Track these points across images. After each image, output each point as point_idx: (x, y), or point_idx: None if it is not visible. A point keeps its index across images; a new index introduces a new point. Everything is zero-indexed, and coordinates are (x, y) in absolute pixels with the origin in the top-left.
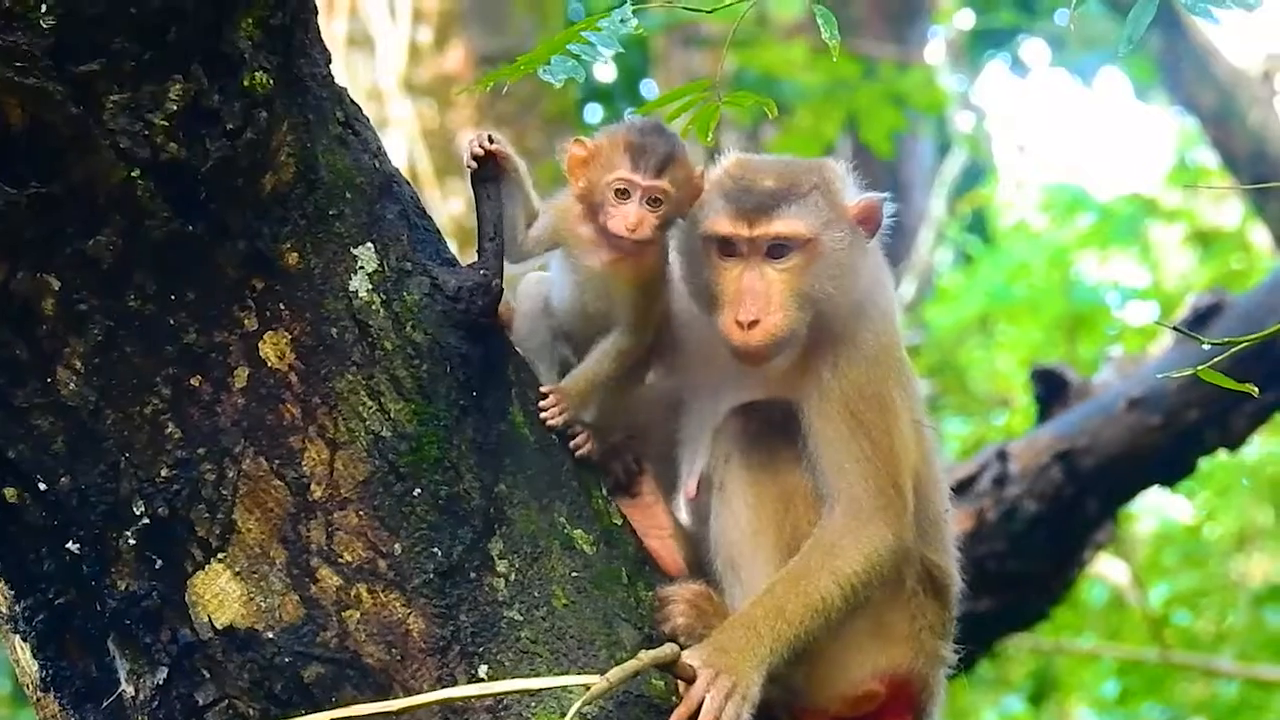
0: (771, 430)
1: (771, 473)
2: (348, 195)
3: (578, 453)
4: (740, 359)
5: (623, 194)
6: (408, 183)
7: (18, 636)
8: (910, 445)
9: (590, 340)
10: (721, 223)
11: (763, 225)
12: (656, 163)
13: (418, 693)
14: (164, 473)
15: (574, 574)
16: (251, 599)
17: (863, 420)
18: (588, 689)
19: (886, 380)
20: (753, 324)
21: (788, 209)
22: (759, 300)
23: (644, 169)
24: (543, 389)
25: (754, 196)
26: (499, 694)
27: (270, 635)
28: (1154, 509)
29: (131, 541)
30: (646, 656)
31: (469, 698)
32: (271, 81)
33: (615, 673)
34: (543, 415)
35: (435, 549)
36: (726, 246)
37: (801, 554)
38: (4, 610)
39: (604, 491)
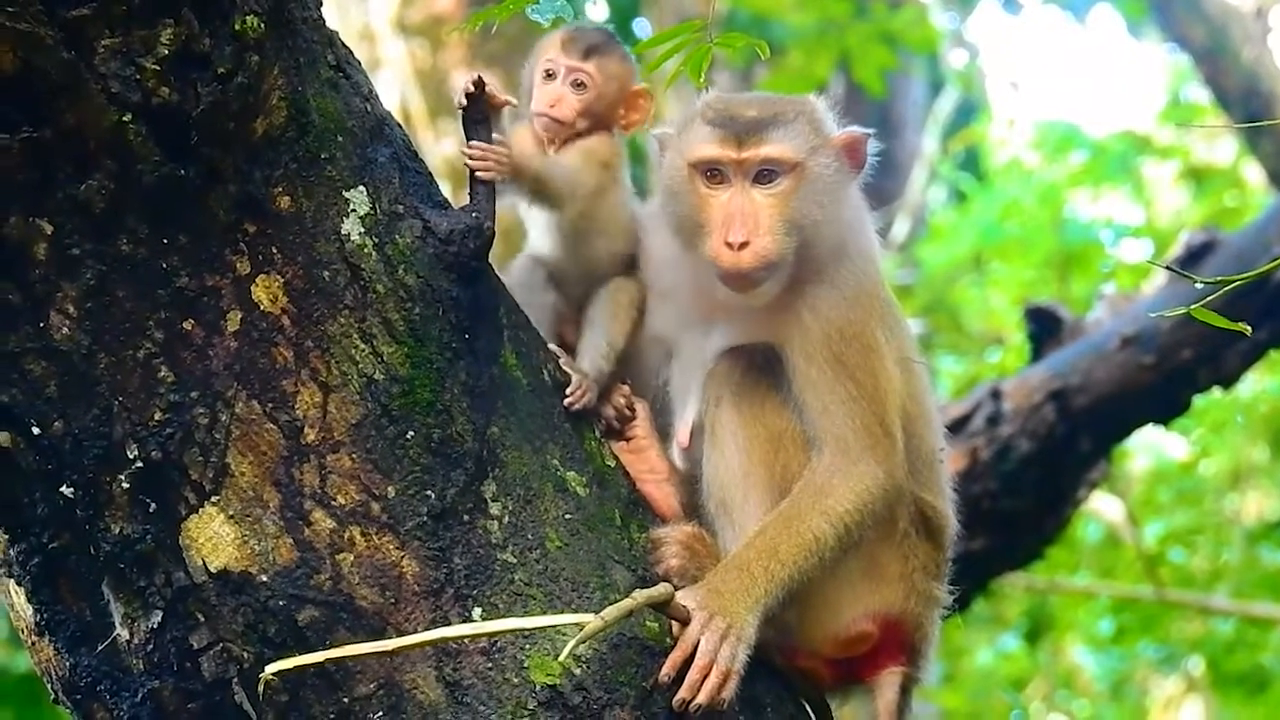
0: (761, 373)
1: (762, 415)
2: (339, 139)
3: (574, 407)
4: (729, 284)
5: (549, 75)
6: (399, 126)
7: (12, 581)
8: (896, 384)
9: (579, 280)
10: (709, 147)
11: (751, 148)
12: (583, 47)
13: (412, 635)
14: (157, 416)
15: (567, 516)
16: (245, 542)
17: (845, 361)
18: (581, 628)
19: (868, 321)
20: (742, 246)
21: (776, 133)
22: (748, 222)
23: (569, 52)
24: (562, 364)
25: (741, 121)
26: (493, 634)
27: (264, 578)
28: (1148, 446)
29: (125, 485)
30: (641, 596)
31: (463, 637)
32: (262, 25)
33: (610, 612)
34: (567, 401)
35: (428, 492)
36: (714, 173)
37: (792, 495)
38: None
39: (597, 434)
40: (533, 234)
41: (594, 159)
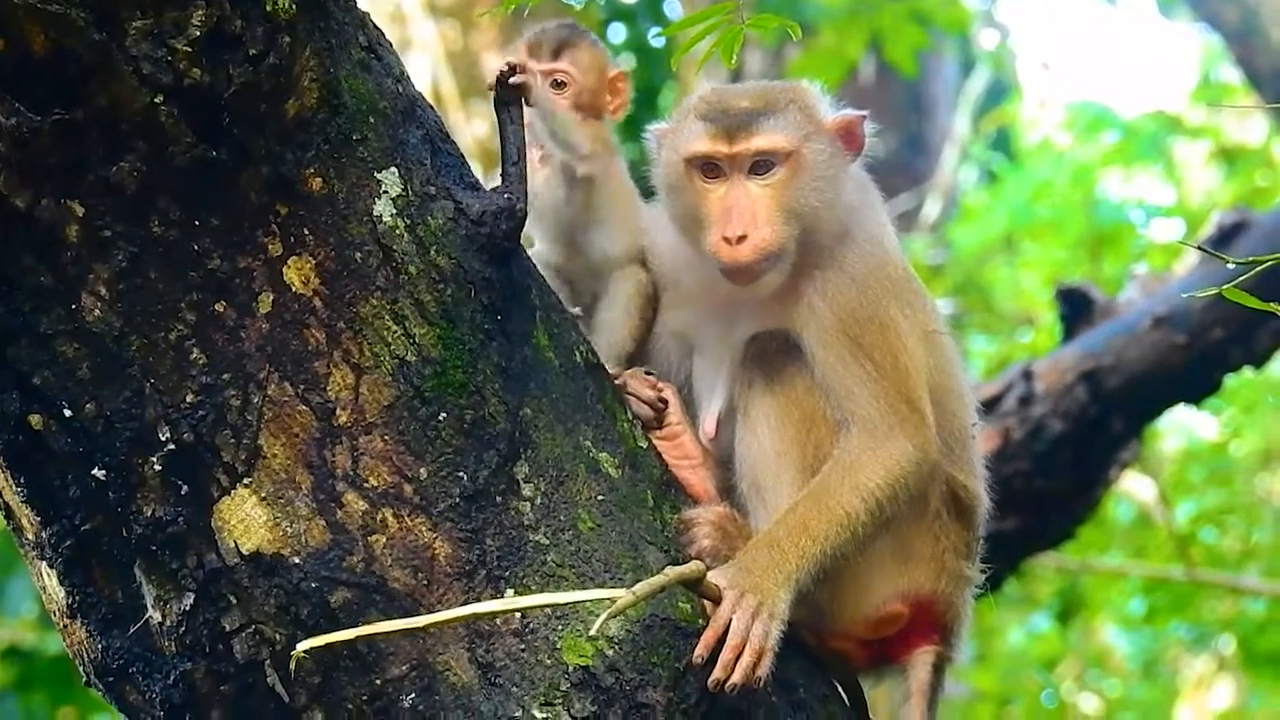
0: (790, 355)
1: (794, 395)
2: (371, 120)
3: None
4: (730, 277)
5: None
6: (431, 107)
7: (44, 563)
8: (919, 360)
9: (586, 278)
10: (701, 142)
11: (743, 141)
12: (552, 48)
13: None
14: (189, 398)
15: (599, 497)
16: (277, 524)
17: (862, 343)
18: (613, 603)
19: (880, 300)
20: (741, 239)
21: (767, 123)
22: (745, 215)
23: (539, 55)
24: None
25: (732, 115)
26: (525, 609)
27: (296, 560)
28: (1180, 426)
29: (157, 467)
30: (672, 572)
31: (494, 613)
32: (294, 6)
33: (641, 587)
34: None
35: (461, 473)
36: (709, 168)
37: (822, 473)
38: (30, 537)
39: (629, 414)
40: (537, 242)
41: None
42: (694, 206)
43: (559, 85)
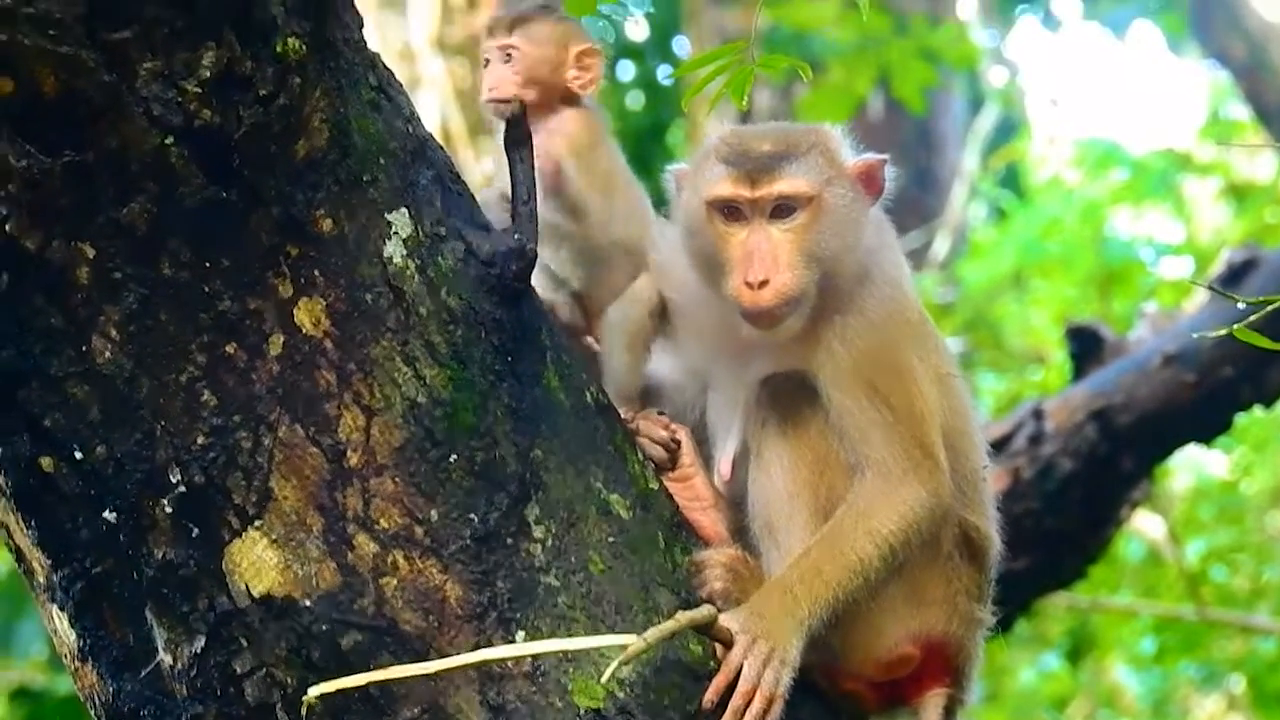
0: (805, 397)
1: (807, 437)
2: (381, 160)
3: None
4: (752, 322)
5: (486, 63)
6: (441, 147)
7: (55, 605)
8: (933, 404)
9: (587, 277)
10: (723, 186)
11: (765, 185)
12: (507, 24)
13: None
14: (200, 440)
15: (610, 539)
16: (288, 566)
17: (878, 387)
18: (624, 649)
19: (898, 344)
20: (762, 284)
21: (789, 167)
22: (766, 260)
23: (495, 33)
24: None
25: (754, 158)
26: (536, 655)
27: (307, 603)
28: (1190, 464)
29: (168, 509)
30: (684, 617)
31: (506, 658)
32: (304, 47)
33: (652, 633)
34: None
35: (471, 515)
36: (731, 211)
37: (836, 518)
38: (41, 579)
39: (640, 455)
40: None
41: (564, 141)
42: (715, 250)
43: (509, 59)
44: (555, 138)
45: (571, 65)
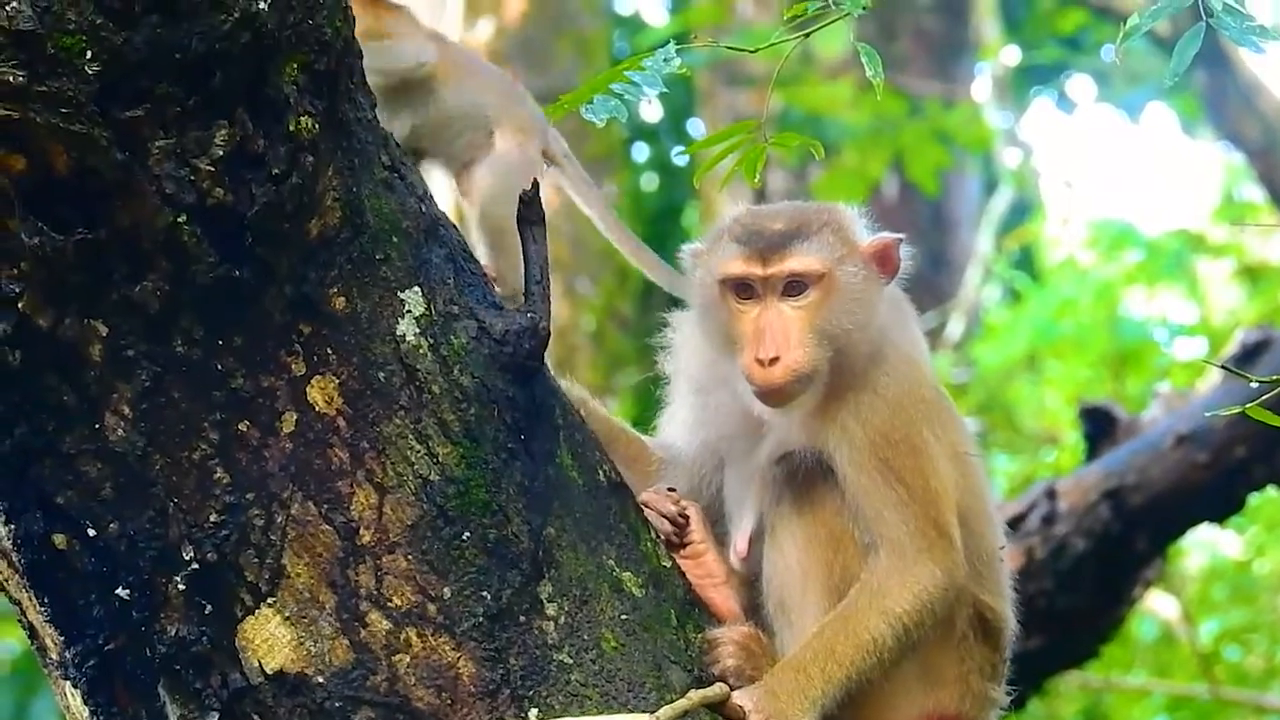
0: (819, 474)
1: (822, 515)
2: (394, 239)
3: None
4: (763, 399)
5: None
6: (454, 226)
7: (68, 683)
8: (949, 483)
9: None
10: (735, 264)
11: (776, 263)
12: None
13: None
14: (213, 518)
15: (623, 616)
16: (301, 643)
17: (893, 466)
18: None
19: (914, 422)
20: (773, 361)
21: (800, 245)
22: (777, 337)
23: None
24: None
25: (766, 236)
26: None
27: (320, 680)
28: (1203, 544)
29: (181, 587)
30: (696, 695)
31: None
32: (317, 126)
33: (665, 711)
34: None
35: (484, 592)
36: (743, 289)
37: (850, 597)
38: (54, 656)
39: (652, 533)
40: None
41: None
42: (727, 327)
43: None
44: None
45: None
